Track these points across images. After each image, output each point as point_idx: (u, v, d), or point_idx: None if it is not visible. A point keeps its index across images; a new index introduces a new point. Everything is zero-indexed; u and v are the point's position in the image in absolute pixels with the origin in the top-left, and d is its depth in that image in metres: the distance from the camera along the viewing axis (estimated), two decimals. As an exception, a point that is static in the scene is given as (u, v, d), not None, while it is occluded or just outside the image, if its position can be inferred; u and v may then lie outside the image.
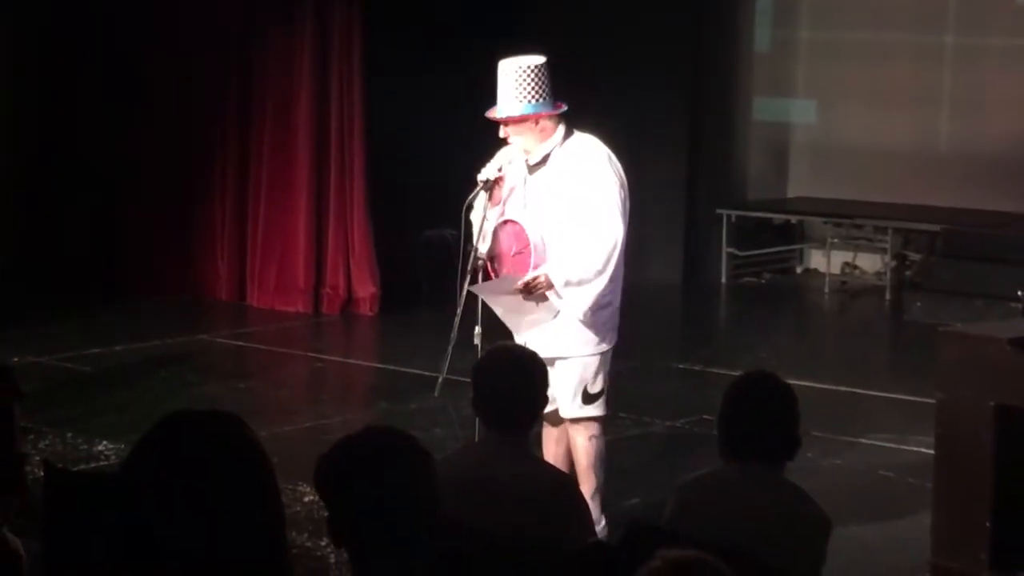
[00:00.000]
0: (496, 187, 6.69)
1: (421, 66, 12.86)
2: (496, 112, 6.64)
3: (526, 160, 6.67)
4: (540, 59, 6.63)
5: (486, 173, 6.68)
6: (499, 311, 6.67)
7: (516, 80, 6.57)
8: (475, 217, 6.75)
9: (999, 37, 14.03)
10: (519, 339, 6.58)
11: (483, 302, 6.69)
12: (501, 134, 6.67)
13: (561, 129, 6.66)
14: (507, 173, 6.72)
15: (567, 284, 6.50)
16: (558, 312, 6.58)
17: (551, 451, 6.78)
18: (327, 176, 12.66)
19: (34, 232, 12.72)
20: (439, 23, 13.23)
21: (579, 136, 6.70)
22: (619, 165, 6.65)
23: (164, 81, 13.26)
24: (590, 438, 6.76)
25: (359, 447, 3.49)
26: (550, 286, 6.51)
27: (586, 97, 10.86)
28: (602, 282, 6.52)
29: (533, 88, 6.56)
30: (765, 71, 15.20)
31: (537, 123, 6.59)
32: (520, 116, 6.56)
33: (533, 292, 6.52)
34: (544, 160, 6.64)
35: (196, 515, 2.53)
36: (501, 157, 6.72)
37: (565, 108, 6.67)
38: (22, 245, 12.61)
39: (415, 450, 3.49)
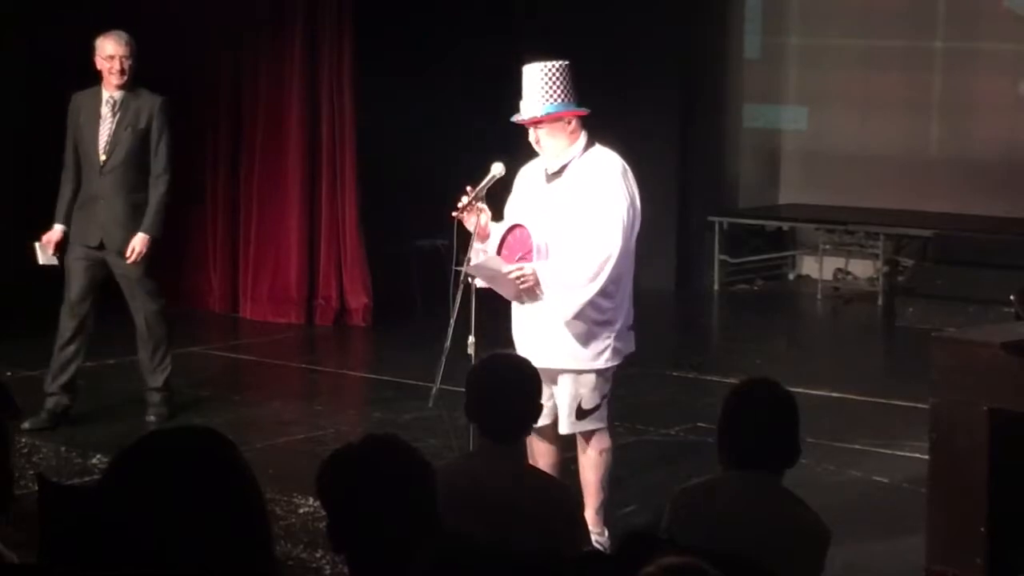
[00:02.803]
0: (469, 212, 6.66)
1: (412, 76, 12.87)
2: (527, 114, 6.62)
3: (545, 169, 6.68)
4: (564, 61, 6.67)
5: (461, 204, 6.67)
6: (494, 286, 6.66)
7: (547, 80, 6.58)
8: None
9: (988, 42, 14.06)
10: (526, 347, 6.56)
11: (475, 312, 6.69)
12: (531, 138, 6.67)
13: (583, 139, 6.67)
14: (517, 191, 6.73)
15: (553, 284, 6.49)
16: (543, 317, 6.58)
17: (542, 464, 6.74)
18: (319, 187, 12.67)
19: (24, 245, 12.67)
20: (430, 31, 13.23)
21: (599, 149, 6.72)
22: (633, 181, 6.67)
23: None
24: (601, 452, 6.77)
25: (360, 455, 3.50)
26: (536, 283, 6.51)
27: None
28: (591, 291, 6.50)
29: (564, 87, 6.59)
30: (755, 78, 15.22)
31: (570, 123, 6.62)
32: (557, 114, 6.57)
33: (520, 285, 6.52)
34: (562, 171, 6.65)
35: (173, 530, 2.53)
36: (487, 182, 6.72)
37: (588, 112, 6.69)
38: (11, 258, 12.56)
39: (415, 459, 3.50)
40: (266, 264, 12.84)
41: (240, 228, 13.01)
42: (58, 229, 9.14)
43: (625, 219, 6.54)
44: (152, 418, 9.26)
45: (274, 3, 12.77)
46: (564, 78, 6.61)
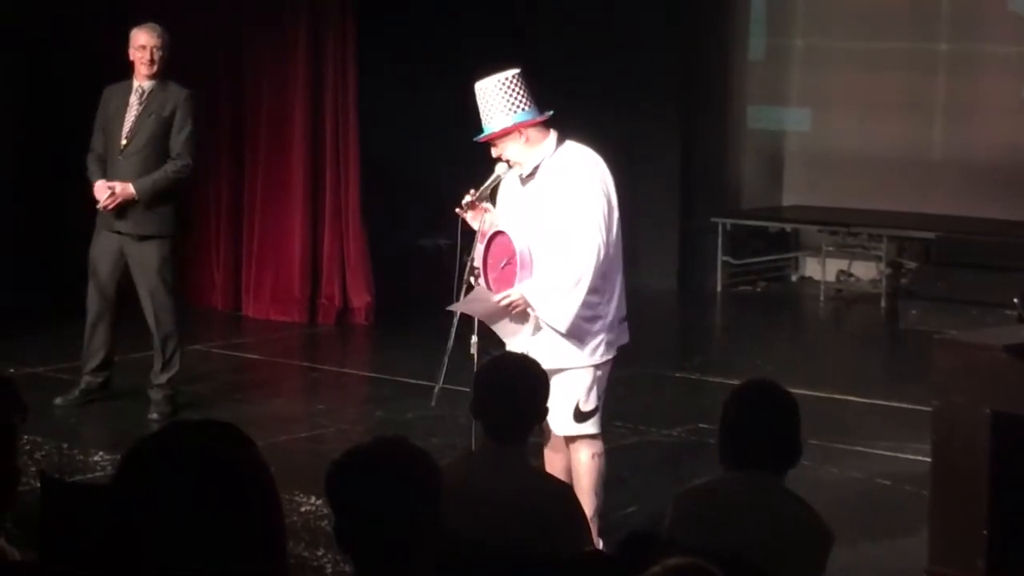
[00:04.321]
0: (475, 212, 6.66)
1: (415, 76, 12.87)
2: (484, 130, 6.61)
3: (520, 174, 6.66)
4: (512, 71, 6.57)
5: (463, 203, 6.66)
6: (487, 320, 6.66)
7: (492, 96, 6.51)
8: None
9: (992, 44, 14.05)
10: (518, 348, 6.54)
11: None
12: (494, 154, 6.65)
13: (552, 139, 6.60)
14: (498, 194, 6.71)
15: (543, 301, 6.45)
16: (538, 323, 6.54)
17: (554, 468, 6.70)
18: (322, 185, 12.67)
19: (27, 242, 12.68)
20: (433, 33, 13.24)
21: (570, 146, 6.64)
22: (607, 174, 6.57)
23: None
24: (593, 456, 6.67)
25: (370, 456, 3.50)
26: (527, 304, 6.48)
27: (580, 106, 10.91)
28: (580, 293, 6.43)
29: (509, 100, 6.49)
30: (759, 79, 15.22)
31: (521, 134, 6.55)
32: (502, 131, 6.53)
33: (511, 311, 6.49)
34: (534, 172, 6.61)
35: (190, 526, 2.53)
36: (491, 181, 6.71)
37: (550, 114, 6.62)
38: (15, 254, 12.58)
39: (425, 462, 3.51)
40: (269, 262, 12.83)
41: (244, 226, 13.01)
42: (101, 182, 9.25)
43: (601, 214, 6.46)
44: (155, 415, 9.29)
45: (277, 3, 12.77)
46: (509, 90, 6.50)
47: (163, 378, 9.41)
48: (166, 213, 9.27)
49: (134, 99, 9.26)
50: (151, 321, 9.36)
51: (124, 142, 9.22)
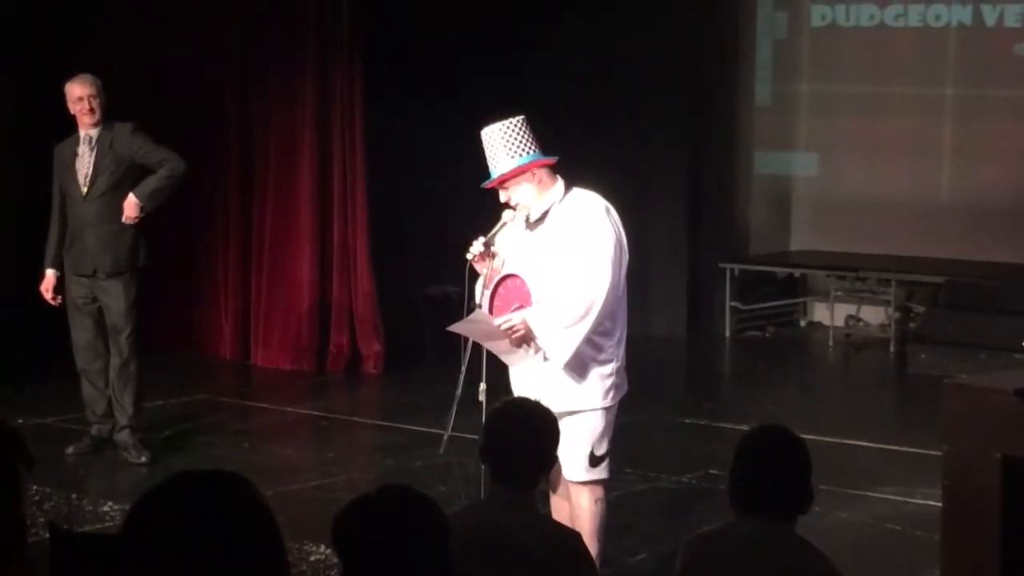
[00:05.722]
0: (485, 261, 6.66)
1: (422, 122, 12.91)
2: (492, 175, 6.62)
3: (526, 217, 6.66)
4: (518, 117, 6.62)
5: (473, 249, 6.66)
6: (486, 345, 6.66)
7: (502, 139, 6.55)
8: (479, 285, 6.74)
9: (999, 88, 14.08)
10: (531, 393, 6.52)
11: (487, 358, 6.67)
12: (502, 199, 6.66)
13: (560, 184, 6.63)
14: (500, 241, 6.70)
15: (546, 330, 6.45)
16: (540, 351, 6.53)
17: (562, 515, 6.68)
18: (330, 234, 12.69)
19: (35, 291, 12.70)
20: (441, 79, 13.27)
21: (578, 191, 6.67)
22: (617, 218, 6.61)
23: (163, 138, 13.28)
24: (596, 501, 6.65)
25: (376, 505, 3.50)
26: (528, 330, 6.47)
27: (587, 152, 10.94)
28: (584, 328, 6.42)
29: (521, 142, 6.54)
30: (766, 125, 15.25)
31: (534, 175, 6.58)
32: (516, 170, 6.54)
33: (511, 336, 6.49)
34: (543, 217, 6.63)
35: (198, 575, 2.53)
36: (499, 227, 6.70)
37: (556, 158, 6.65)
38: (23, 305, 12.58)
39: (431, 510, 3.51)
40: (277, 310, 12.85)
41: (252, 274, 13.03)
42: (50, 275, 9.56)
43: (613, 254, 6.48)
44: (143, 459, 9.42)
45: (284, 48, 12.81)
46: (519, 133, 6.55)
47: (135, 418, 9.51)
48: (131, 247, 9.43)
49: (84, 148, 9.44)
50: (116, 362, 9.48)
51: (85, 189, 9.39)
